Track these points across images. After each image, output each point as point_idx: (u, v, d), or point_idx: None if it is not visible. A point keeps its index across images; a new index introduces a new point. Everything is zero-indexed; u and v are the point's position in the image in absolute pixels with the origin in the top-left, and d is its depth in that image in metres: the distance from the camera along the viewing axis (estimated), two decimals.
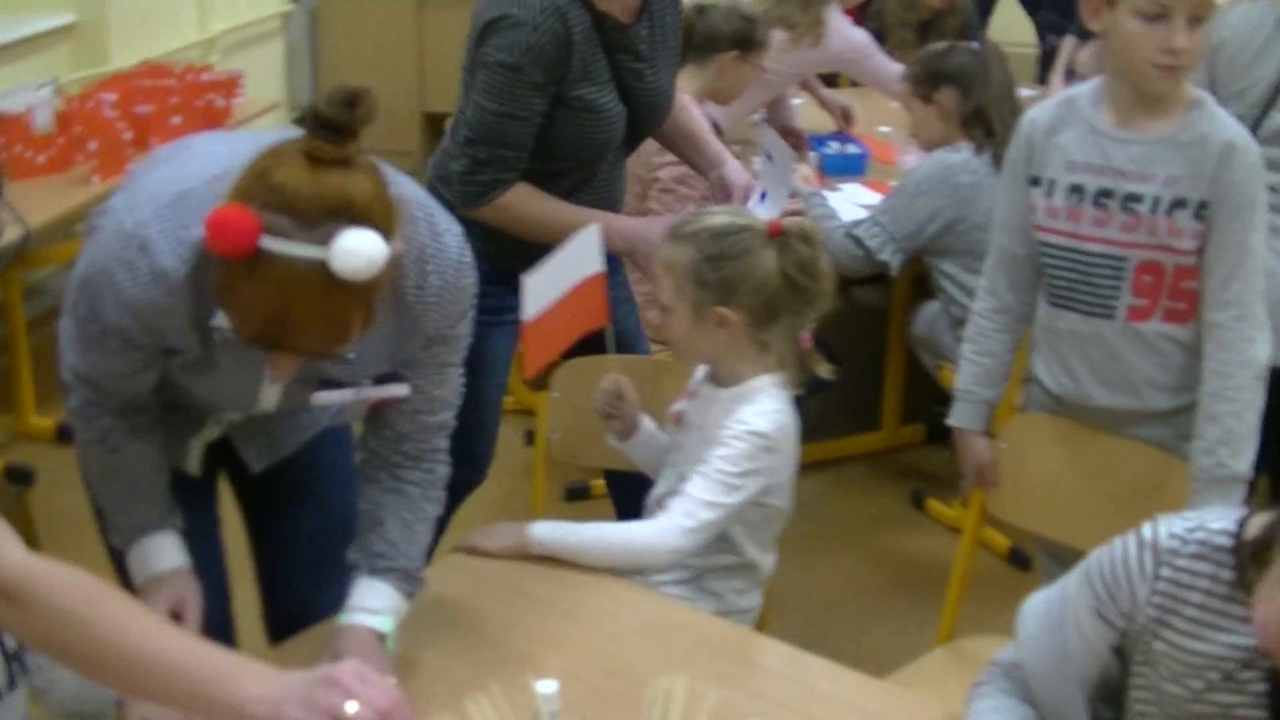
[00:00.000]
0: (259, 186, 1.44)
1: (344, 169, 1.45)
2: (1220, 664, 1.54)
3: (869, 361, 4.01)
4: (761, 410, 2.03)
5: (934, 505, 3.71)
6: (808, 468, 2.25)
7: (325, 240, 1.42)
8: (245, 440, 1.98)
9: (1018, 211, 2.37)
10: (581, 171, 2.50)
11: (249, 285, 1.44)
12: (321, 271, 1.43)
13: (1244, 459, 2.21)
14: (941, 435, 3.79)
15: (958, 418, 2.48)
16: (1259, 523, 1.53)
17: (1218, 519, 1.57)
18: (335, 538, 1.87)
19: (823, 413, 3.06)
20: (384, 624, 1.72)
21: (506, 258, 2.34)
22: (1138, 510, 1.71)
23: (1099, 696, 1.67)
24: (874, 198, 3.72)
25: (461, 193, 2.41)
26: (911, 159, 3.77)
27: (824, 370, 2.11)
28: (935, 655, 2.41)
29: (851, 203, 3.74)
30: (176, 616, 1.75)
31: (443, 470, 1.86)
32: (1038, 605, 1.69)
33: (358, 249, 1.42)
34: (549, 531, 2.02)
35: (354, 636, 1.70)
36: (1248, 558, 1.51)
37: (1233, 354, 2.20)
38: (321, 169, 1.44)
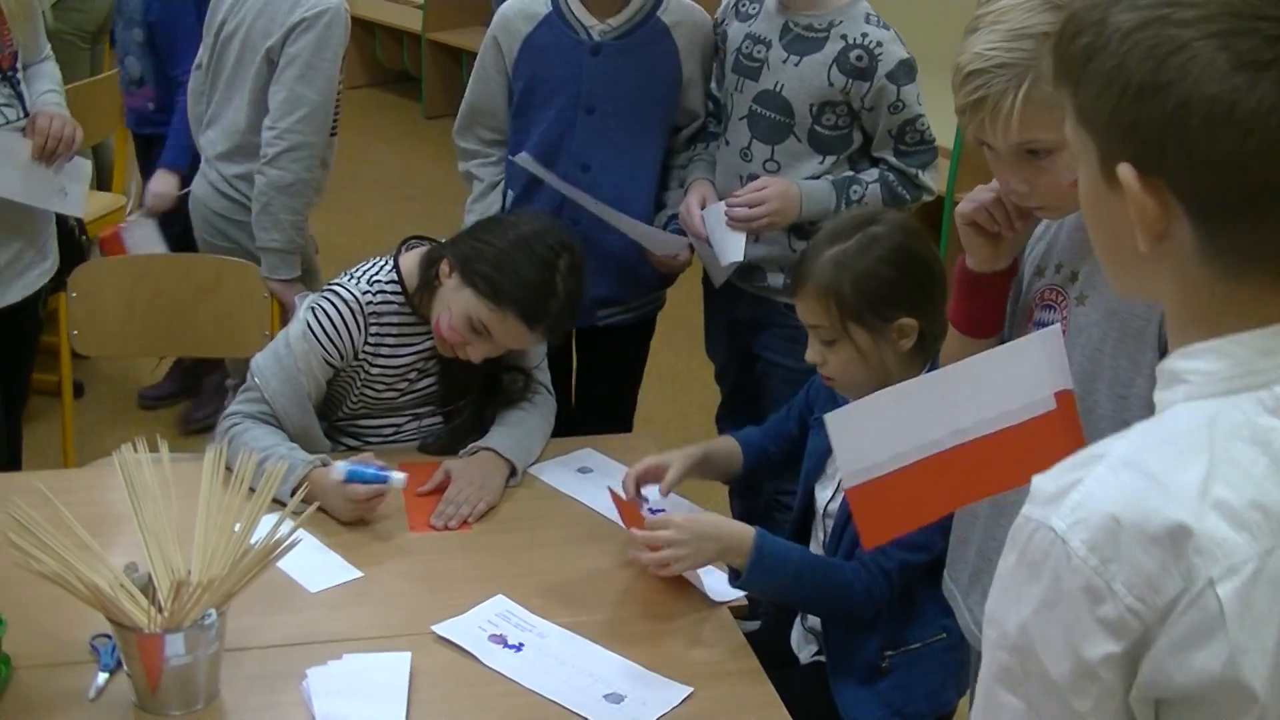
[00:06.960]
0: None
1: None
2: (414, 367, 2.27)
3: None
4: None
5: None
6: None
7: None
8: None
9: None
10: None
11: None
12: None
13: None
14: None
15: None
16: (409, 264, 2.23)
17: (378, 269, 2.21)
18: None
19: None
20: None
21: None
22: None
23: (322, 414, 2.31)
24: None
25: None
26: None
27: None
28: None
29: None
30: None
31: None
32: (270, 363, 2.19)
33: None
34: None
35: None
36: (417, 289, 2.19)
37: None
38: None
